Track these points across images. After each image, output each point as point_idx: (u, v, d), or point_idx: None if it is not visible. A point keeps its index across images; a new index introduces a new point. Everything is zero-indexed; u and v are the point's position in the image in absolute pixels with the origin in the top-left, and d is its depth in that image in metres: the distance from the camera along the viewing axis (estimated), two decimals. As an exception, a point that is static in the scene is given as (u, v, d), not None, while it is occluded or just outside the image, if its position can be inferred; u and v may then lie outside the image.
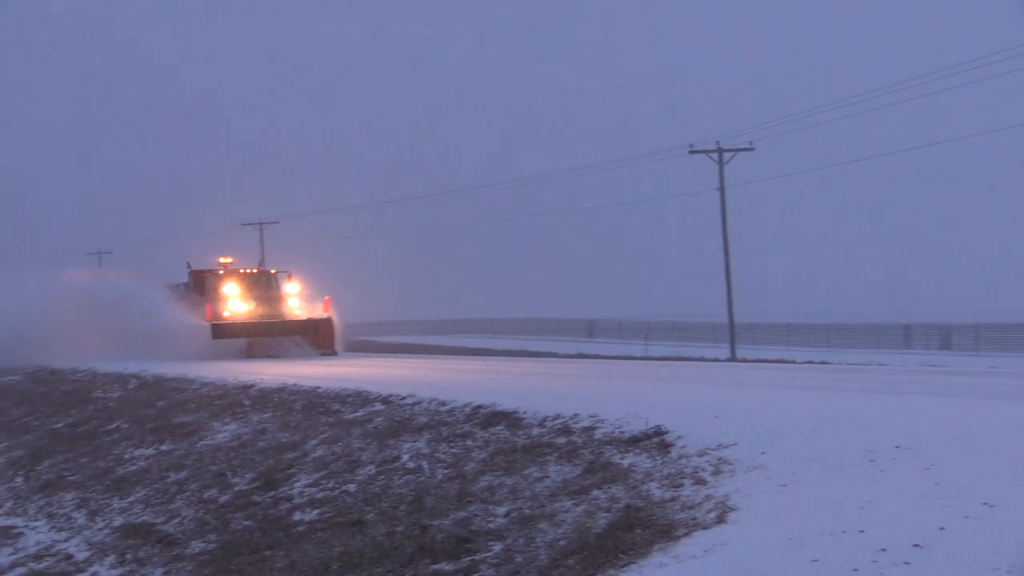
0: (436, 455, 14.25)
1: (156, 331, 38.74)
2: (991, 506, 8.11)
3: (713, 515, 8.87)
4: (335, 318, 41.08)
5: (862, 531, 7.69)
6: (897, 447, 10.58)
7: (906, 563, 6.95)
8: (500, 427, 14.78)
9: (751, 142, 50.86)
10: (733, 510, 8.87)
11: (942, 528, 7.61)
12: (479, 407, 16.11)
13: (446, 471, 13.42)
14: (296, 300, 41.66)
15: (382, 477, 14.05)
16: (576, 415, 14.07)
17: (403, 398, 18.33)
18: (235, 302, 40.98)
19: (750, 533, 8.09)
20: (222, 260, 43.34)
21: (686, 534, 8.59)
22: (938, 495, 8.61)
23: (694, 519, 9.00)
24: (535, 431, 14.07)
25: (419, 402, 17.70)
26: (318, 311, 41.16)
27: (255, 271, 43.64)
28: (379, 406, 18.29)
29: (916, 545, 7.23)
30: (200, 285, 42.06)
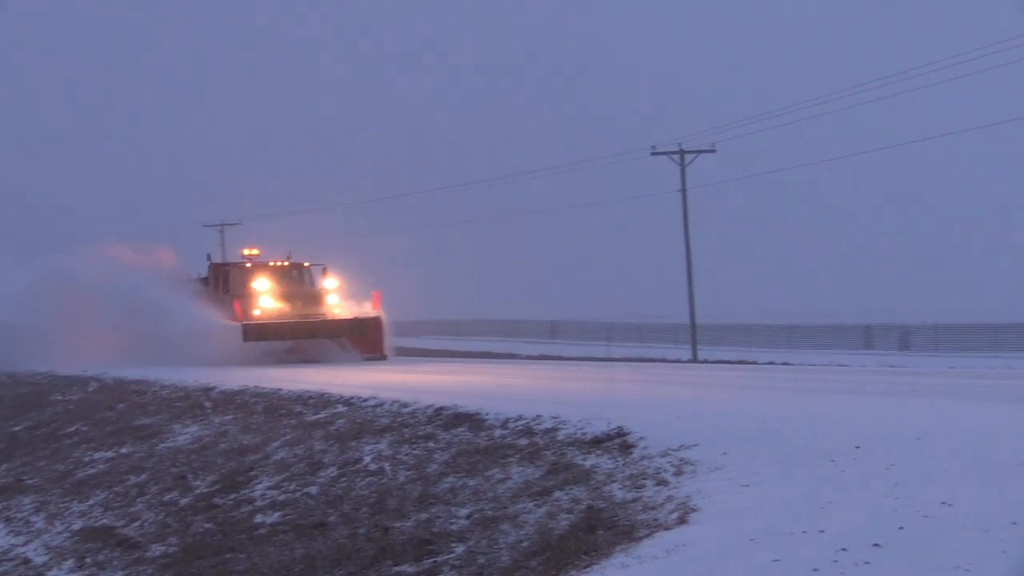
0: (398, 457, 14.22)
1: (177, 333, 33.40)
2: (949, 505, 8.18)
3: (675, 516, 8.89)
4: (384, 317, 35.86)
5: (822, 531, 7.73)
6: (857, 447, 10.65)
7: (866, 563, 6.99)
8: (462, 428, 14.76)
9: (713, 144, 51.04)
10: (695, 511, 8.89)
11: (901, 528, 7.66)
12: (441, 408, 16.09)
13: (408, 473, 13.40)
14: (335, 297, 36.00)
15: (344, 479, 14.01)
16: (538, 416, 14.07)
17: (365, 400, 18.28)
18: (267, 299, 35.33)
19: (711, 533, 8.12)
20: (247, 252, 37.97)
21: (648, 535, 8.61)
22: (897, 495, 8.66)
23: (656, 520, 9.02)
24: (497, 432, 14.07)
25: (381, 404, 17.66)
26: (363, 308, 36.15)
27: (286, 264, 37.20)
28: (341, 408, 18.23)
29: (876, 545, 7.28)
30: (223, 280, 36.71)
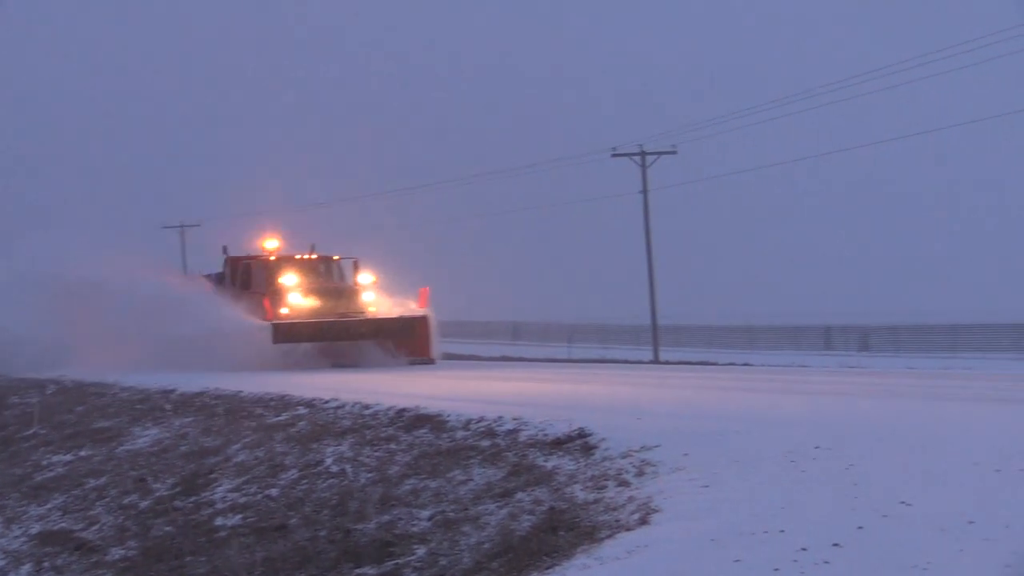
0: (360, 459, 14.18)
1: (201, 335, 29.82)
2: (908, 504, 8.24)
3: (636, 516, 8.91)
4: (432, 317, 32.17)
5: (783, 531, 7.77)
6: (817, 447, 10.71)
7: (826, 562, 7.04)
8: (424, 430, 14.75)
9: (673, 145, 51.21)
10: (656, 511, 8.92)
11: (860, 527, 7.71)
12: (403, 410, 16.08)
13: (370, 475, 13.37)
14: (372, 294, 32.41)
15: (305, 481, 13.96)
16: (500, 418, 14.09)
17: (326, 402, 18.23)
18: (297, 296, 31.57)
19: (673, 534, 8.14)
20: (267, 245, 34.37)
21: (609, 536, 8.62)
22: (857, 494, 8.73)
23: (617, 521, 9.04)
24: (459, 434, 14.07)
25: (343, 405, 17.62)
26: (408, 306, 32.68)
27: (314, 257, 33.73)
28: (302, 410, 18.17)
29: (836, 544, 7.32)
30: (242, 276, 33.09)
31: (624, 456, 11.23)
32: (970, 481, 9.08)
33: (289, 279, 31.82)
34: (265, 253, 33.92)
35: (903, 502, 8.30)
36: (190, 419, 19.94)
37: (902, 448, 10.68)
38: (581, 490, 10.41)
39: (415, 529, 10.98)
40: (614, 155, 51.56)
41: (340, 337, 31.00)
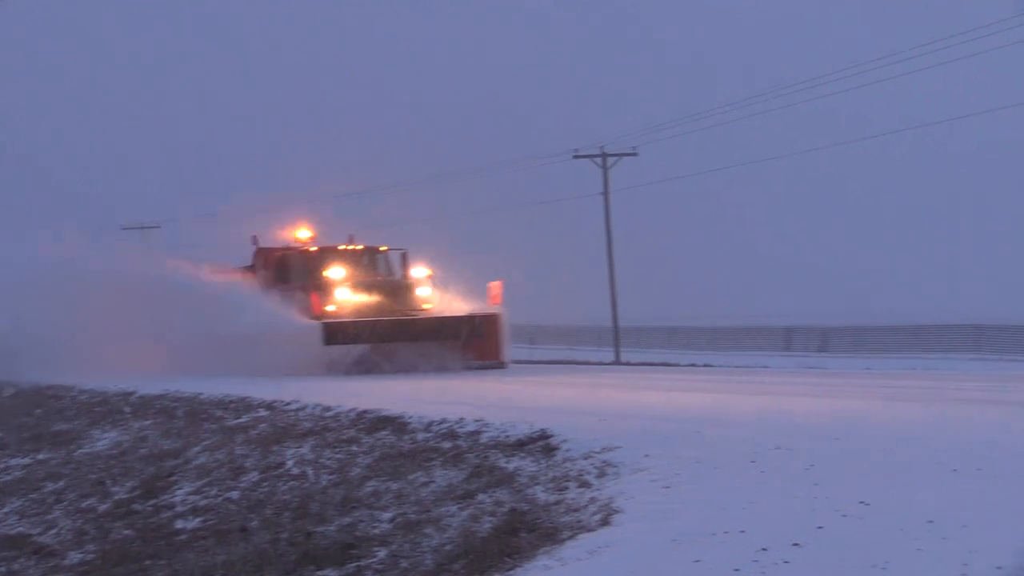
0: (321, 461, 14.13)
1: (247, 335, 25.97)
2: (867, 504, 8.28)
3: (598, 517, 8.92)
4: (504, 315, 28.46)
5: (743, 531, 7.79)
6: (777, 448, 10.76)
7: (786, 562, 7.06)
8: (385, 432, 14.72)
9: (634, 147, 51.31)
10: (617, 512, 8.92)
11: (820, 527, 7.75)
12: (364, 412, 16.03)
13: (331, 477, 13.32)
14: (427, 289, 28.74)
15: (266, 484, 13.89)
16: (461, 419, 14.08)
17: (287, 404, 18.16)
18: (346, 291, 27.69)
19: (634, 535, 8.15)
20: (299, 235, 30.64)
21: (571, 537, 8.63)
22: (817, 495, 8.77)
23: (579, 522, 9.05)
24: (421, 436, 14.05)
25: (304, 407, 17.56)
26: (478, 304, 29.06)
27: (359, 248, 29.89)
28: (263, 412, 18.09)
29: (796, 544, 7.35)
30: (278, 269, 29.51)
31: (586, 457, 11.24)
32: (929, 481, 9.14)
33: (336, 272, 27.93)
34: (300, 244, 30.19)
35: (862, 502, 8.35)
36: (150, 422, 19.82)
37: (861, 448, 10.75)
38: (543, 491, 10.41)
39: (376, 531, 10.95)
40: (575, 156, 51.63)
41: (399, 338, 27.02)
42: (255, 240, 31.09)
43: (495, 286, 28.89)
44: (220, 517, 13.24)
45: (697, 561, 7.27)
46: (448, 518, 10.59)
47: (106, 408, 22.28)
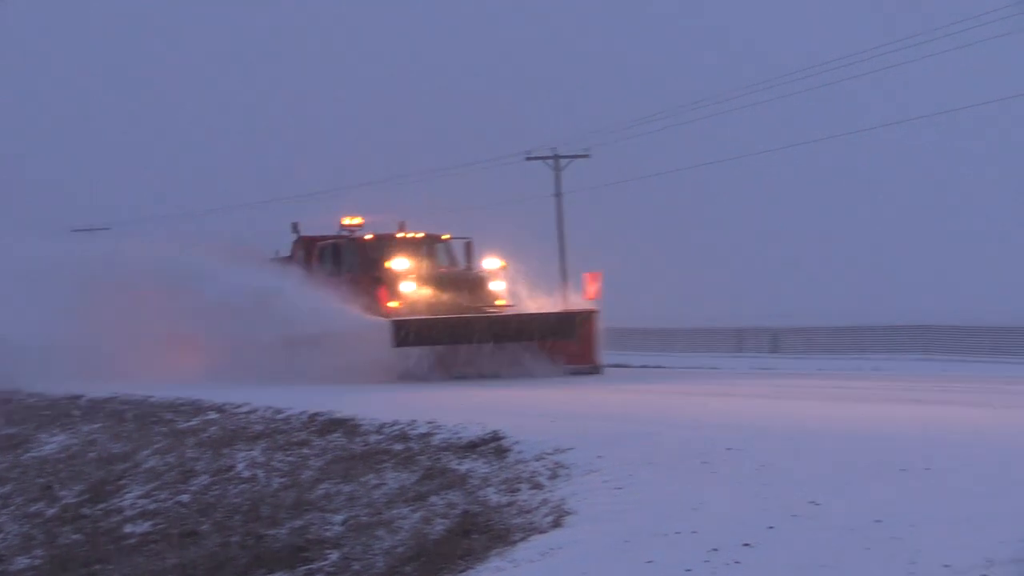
0: (272, 463, 14.06)
1: (291, 336, 22.82)
2: (817, 504, 8.34)
3: (550, 519, 8.93)
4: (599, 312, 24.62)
5: (695, 532, 7.83)
6: (728, 449, 10.81)
7: (736, 562, 7.10)
8: (337, 434, 14.67)
9: (587, 149, 51.44)
10: (569, 513, 8.94)
11: (771, 527, 7.79)
12: (316, 415, 15.96)
13: (282, 480, 13.26)
14: (502, 283, 24.87)
15: (217, 487, 13.81)
16: (413, 422, 14.05)
17: (238, 406, 18.04)
18: (412, 285, 23.83)
19: (586, 536, 8.17)
20: (347, 221, 26.39)
21: (523, 538, 8.64)
22: (767, 495, 8.82)
23: (531, 523, 9.05)
24: (372, 438, 14.00)
25: (254, 410, 17.45)
26: (568, 298, 26.20)
27: (419, 236, 25.93)
28: (213, 415, 17.96)
29: (746, 544, 7.39)
30: (329, 260, 25.60)
31: (538, 459, 11.25)
32: (877, 481, 9.21)
33: (400, 263, 24.07)
34: (349, 231, 26.27)
35: (813, 502, 8.40)
36: (99, 425, 19.62)
37: (812, 449, 10.81)
38: (495, 493, 10.41)
39: (328, 534, 10.92)
40: (528, 159, 51.69)
41: (482, 339, 23.13)
42: (296, 228, 26.99)
43: (592, 277, 25.10)
44: (170, 521, 13.14)
45: (649, 562, 7.30)
46: (400, 520, 10.57)
47: (54, 411, 22.04)
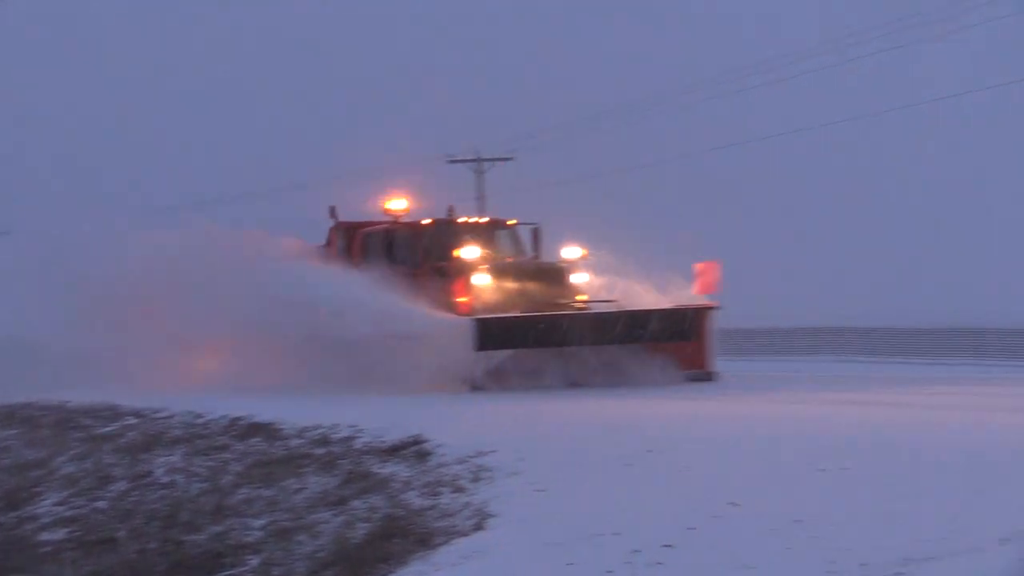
0: (191, 469, 13.90)
1: (345, 337, 19.11)
2: (737, 505, 8.40)
3: (472, 522, 8.92)
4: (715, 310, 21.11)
5: (617, 533, 7.85)
6: (650, 451, 10.86)
7: (658, 563, 7.13)
8: (257, 439, 14.55)
9: (512, 151, 51.52)
10: (492, 516, 8.94)
11: (692, 528, 7.84)
12: (237, 419, 15.82)
13: (202, 485, 13.11)
14: (585, 275, 21.41)
15: (135, 493, 13.62)
16: (335, 425, 13.98)
17: (157, 411, 17.83)
18: (485, 277, 20.23)
19: (508, 539, 8.18)
20: (391, 206, 22.42)
21: (445, 542, 8.61)
22: (688, 496, 8.88)
23: (453, 527, 9.03)
24: (293, 442, 13.92)
25: (173, 415, 17.26)
26: (679, 293, 21.45)
27: (483, 221, 22.98)
28: (132, 420, 17.73)
29: (667, 545, 7.42)
30: (381, 249, 21.88)
31: (460, 462, 11.23)
32: (797, 481, 9.30)
33: (471, 252, 20.51)
34: (394, 216, 22.39)
35: (733, 503, 8.46)
36: (14, 431, 19.28)
37: (734, 451, 10.90)
38: (417, 496, 10.38)
39: (248, 539, 10.80)
40: (450, 161, 51.70)
41: (579, 341, 19.49)
42: (333, 212, 23.49)
43: (708, 268, 21.44)
44: (87, 528, 12.93)
45: (570, 564, 7.31)
46: (322, 525, 10.49)
47: (-33, 418, 21.63)
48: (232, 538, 10.96)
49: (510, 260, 21.44)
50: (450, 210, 23.31)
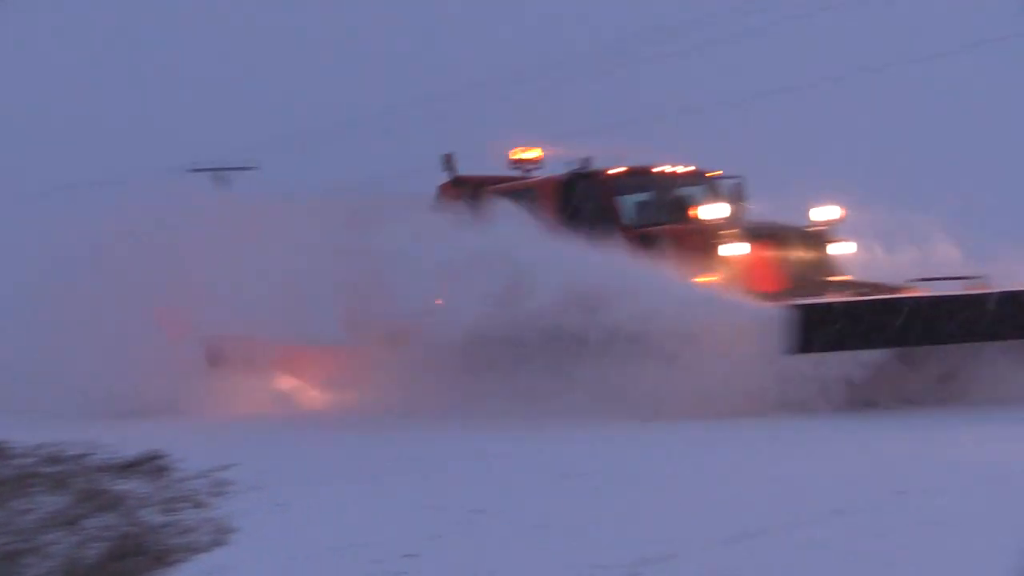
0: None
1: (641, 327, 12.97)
2: (481, 511, 8.45)
3: (210, 538, 8.70)
4: None
5: (360, 545, 7.78)
6: (397, 459, 10.85)
7: (400, 573, 7.09)
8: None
9: (256, 161, 50.87)
10: (232, 531, 8.75)
11: (436, 536, 7.84)
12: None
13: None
14: (851, 244, 15.89)
15: None
16: (68, 442, 13.47)
17: None
18: (740, 247, 14.61)
19: (248, 554, 8.02)
20: (521, 155, 17.47)
21: (182, 559, 8.36)
22: (434, 505, 8.90)
23: (192, 543, 8.79)
24: (23, 461, 13.34)
25: None
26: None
27: (686, 171, 16.99)
28: None
29: (408, 555, 7.39)
30: (547, 207, 15.98)
31: (200, 476, 10.98)
32: (542, 488, 9.44)
33: (715, 210, 14.96)
34: (527, 167, 17.47)
35: (478, 510, 8.50)
36: None
37: (480, 459, 10.99)
38: (154, 513, 10.06)
39: (-29, 565, 10.25)
40: (192, 171, 50.79)
41: (937, 337, 13.04)
42: (449, 162, 17.89)
43: None
44: None
45: (313, 577, 7.21)
46: (52, 546, 10.03)
47: None
48: (-46, 564, 10.38)
49: (766, 224, 15.66)
50: (585, 161, 16.44)
